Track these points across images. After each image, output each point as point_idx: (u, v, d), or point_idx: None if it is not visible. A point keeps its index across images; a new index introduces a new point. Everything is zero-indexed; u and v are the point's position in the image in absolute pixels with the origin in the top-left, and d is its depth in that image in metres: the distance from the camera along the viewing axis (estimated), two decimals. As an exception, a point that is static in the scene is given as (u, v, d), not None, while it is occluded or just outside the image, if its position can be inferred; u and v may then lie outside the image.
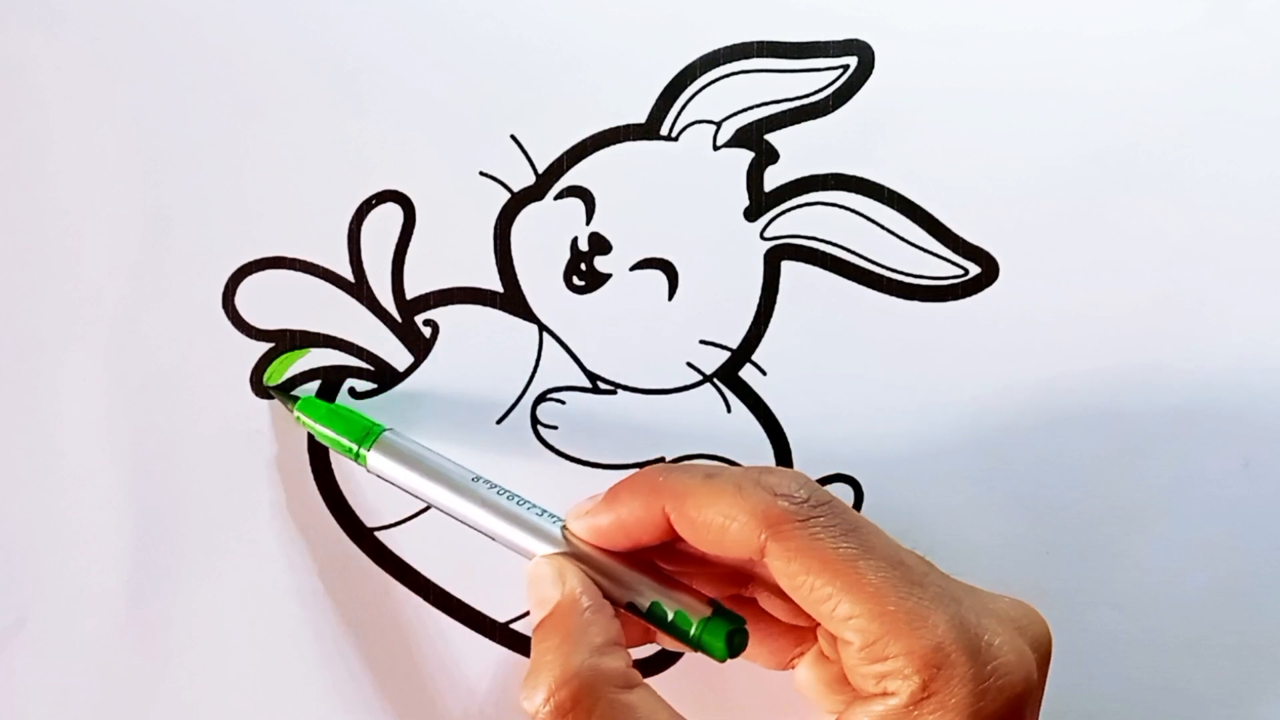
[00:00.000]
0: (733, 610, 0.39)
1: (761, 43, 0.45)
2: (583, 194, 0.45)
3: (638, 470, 0.40)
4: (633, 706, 0.36)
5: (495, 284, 0.45)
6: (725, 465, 0.39)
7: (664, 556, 0.41)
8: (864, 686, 0.36)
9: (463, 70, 0.44)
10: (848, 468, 0.45)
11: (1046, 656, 0.37)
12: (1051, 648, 0.38)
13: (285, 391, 0.44)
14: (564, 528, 0.41)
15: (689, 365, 0.45)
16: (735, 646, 0.39)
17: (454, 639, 0.45)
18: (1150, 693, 0.45)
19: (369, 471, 0.43)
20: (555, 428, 0.45)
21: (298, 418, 0.43)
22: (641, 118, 0.45)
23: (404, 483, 0.42)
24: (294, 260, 0.44)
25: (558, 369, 0.45)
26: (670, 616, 0.39)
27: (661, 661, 0.45)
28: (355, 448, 0.43)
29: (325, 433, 0.43)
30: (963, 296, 0.45)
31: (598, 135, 0.45)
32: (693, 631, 0.39)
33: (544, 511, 0.41)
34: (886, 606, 0.35)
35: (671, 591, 0.39)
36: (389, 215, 0.45)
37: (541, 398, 0.45)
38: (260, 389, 0.44)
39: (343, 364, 0.45)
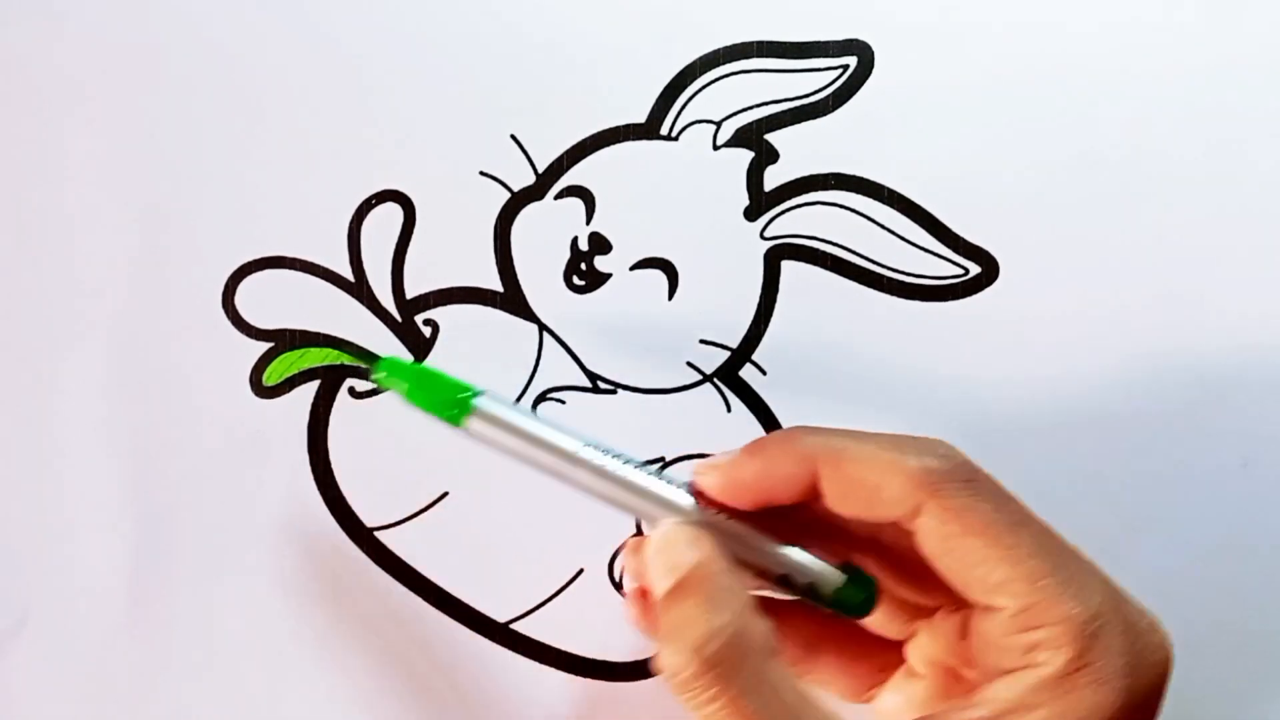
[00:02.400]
0: (868, 574, 0.38)
1: (761, 43, 0.45)
2: (583, 194, 0.45)
3: (771, 434, 0.38)
4: (780, 672, 0.35)
5: (495, 284, 0.45)
6: (864, 431, 0.37)
7: (782, 528, 0.38)
8: (1004, 661, 0.35)
9: (463, 70, 0.44)
10: (848, 468, 0.45)
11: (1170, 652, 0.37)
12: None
13: (362, 358, 0.43)
14: (691, 486, 0.38)
15: (689, 365, 0.45)
16: (869, 605, 0.38)
17: (454, 639, 0.45)
18: (1150, 693, 0.45)
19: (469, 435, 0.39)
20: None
21: (384, 383, 0.39)
22: (641, 117, 0.45)
23: (513, 449, 0.38)
24: (294, 260, 0.45)
25: (558, 369, 0.45)
26: (803, 582, 0.38)
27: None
28: (456, 417, 0.38)
29: (419, 401, 0.38)
30: (963, 296, 0.45)
31: (598, 135, 0.45)
32: (829, 596, 0.38)
33: (664, 475, 0.38)
34: (1043, 574, 0.34)
35: (805, 556, 0.38)
36: (389, 215, 0.45)
37: (541, 397, 0.45)
38: (261, 388, 0.45)
39: (343, 364, 0.45)
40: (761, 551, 0.38)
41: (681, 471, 0.42)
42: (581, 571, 0.45)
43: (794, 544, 0.38)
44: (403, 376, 0.38)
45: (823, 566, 0.38)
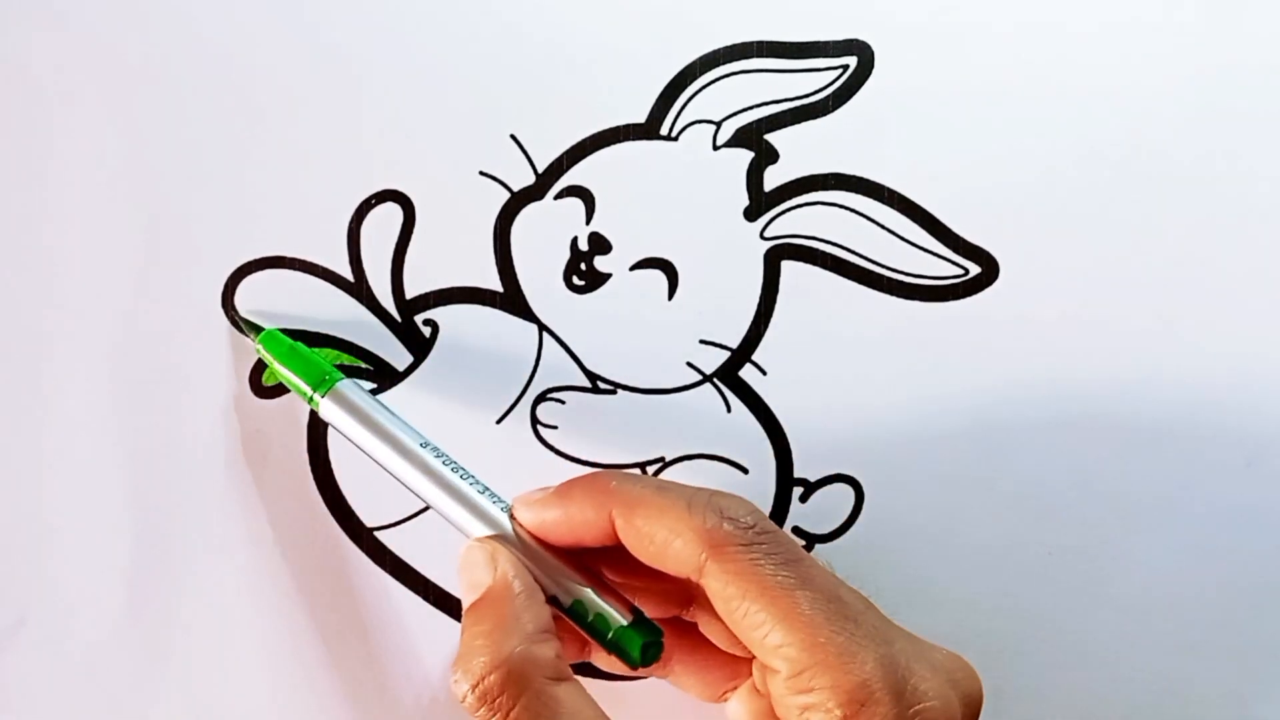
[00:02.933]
0: (659, 627, 0.39)
1: (761, 43, 0.45)
2: (583, 194, 0.45)
3: (591, 471, 0.40)
4: (559, 700, 0.36)
5: (495, 284, 0.45)
6: (676, 482, 0.39)
7: (612, 565, 0.41)
8: (788, 718, 0.36)
9: (463, 70, 0.44)
10: (848, 468, 0.45)
11: (975, 712, 0.37)
12: (981, 706, 0.38)
13: (249, 321, 0.44)
14: (510, 512, 0.40)
15: (689, 365, 0.45)
16: (649, 657, 0.39)
17: (454, 639, 0.45)
18: (1151, 694, 0.45)
19: (320, 417, 0.43)
20: (555, 427, 0.45)
21: (257, 349, 0.43)
22: (641, 117, 0.45)
23: (353, 435, 0.42)
24: (294, 260, 0.45)
25: (558, 369, 0.45)
26: (590, 617, 0.39)
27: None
28: (310, 392, 0.42)
29: (282, 371, 0.43)
30: (963, 296, 0.45)
31: (598, 135, 0.45)
32: (610, 635, 0.39)
33: (487, 489, 0.41)
34: (817, 638, 0.35)
35: (598, 593, 0.39)
36: (389, 215, 0.45)
37: (541, 397, 0.45)
38: (261, 388, 0.45)
39: (343, 364, 0.45)
40: (555, 580, 0.39)
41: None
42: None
43: (594, 580, 0.40)
44: (277, 349, 0.43)
45: (608, 609, 0.39)
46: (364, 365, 0.45)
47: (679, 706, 0.38)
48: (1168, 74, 0.45)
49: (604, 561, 0.40)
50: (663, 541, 0.37)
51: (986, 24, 0.45)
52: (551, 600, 0.39)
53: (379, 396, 0.44)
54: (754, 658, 0.40)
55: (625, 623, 0.39)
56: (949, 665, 0.37)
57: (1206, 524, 0.45)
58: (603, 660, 0.42)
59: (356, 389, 0.42)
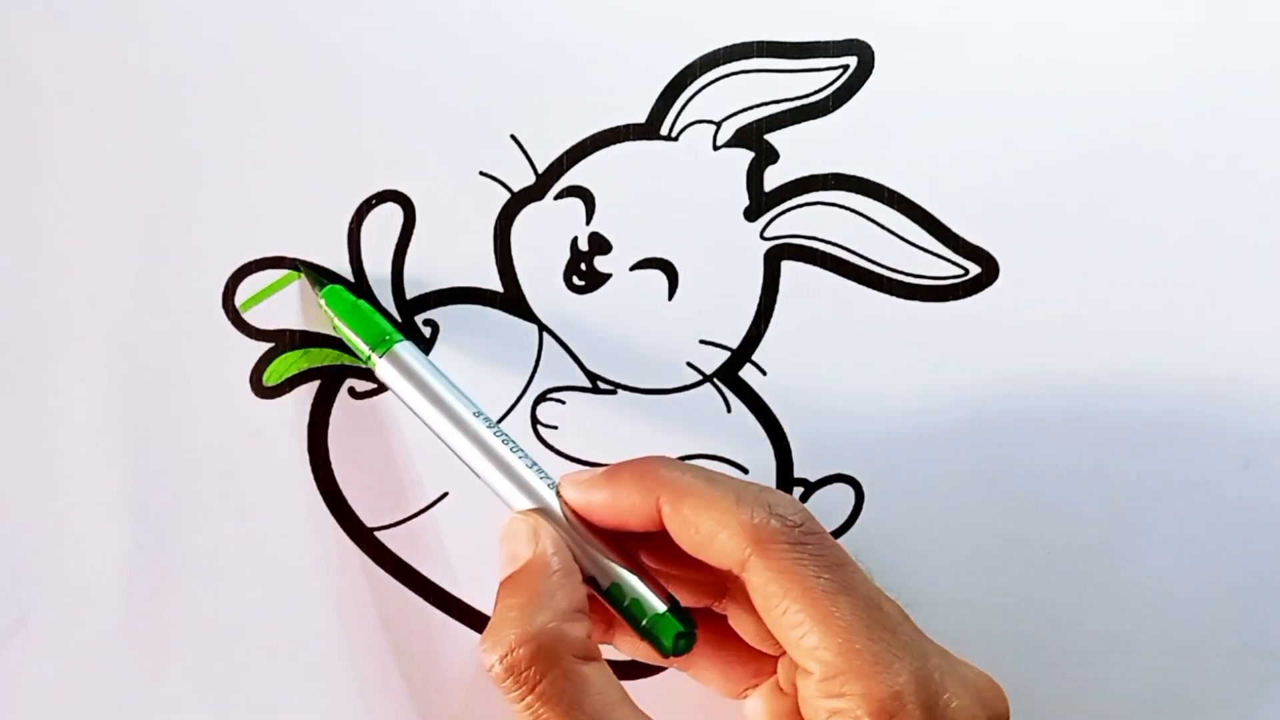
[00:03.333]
0: (693, 617, 0.40)
1: (761, 43, 0.45)
2: (583, 194, 0.45)
3: (642, 456, 0.40)
4: (586, 678, 0.36)
5: (495, 284, 0.45)
6: (726, 475, 0.39)
7: (651, 552, 0.41)
8: (813, 719, 0.36)
9: (463, 70, 0.44)
10: (848, 468, 0.45)
11: None
12: None
13: (315, 274, 0.44)
14: (558, 489, 0.40)
15: (689, 365, 0.45)
16: (680, 647, 0.39)
17: (454, 639, 0.45)
18: (1151, 694, 0.45)
19: (376, 378, 0.43)
20: (555, 428, 0.45)
21: (320, 305, 0.43)
22: (641, 118, 0.45)
23: (406, 398, 0.42)
24: (294, 260, 0.45)
25: (558, 369, 0.45)
26: (626, 601, 0.39)
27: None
28: (368, 351, 0.42)
29: (342, 328, 0.43)
30: (963, 296, 0.45)
31: (598, 135, 0.45)
32: (644, 621, 0.39)
33: (535, 464, 0.41)
34: (854, 644, 0.35)
35: (636, 578, 0.39)
36: (389, 215, 0.45)
37: (541, 397, 0.45)
38: (261, 388, 0.45)
39: (343, 364, 0.45)
40: (594, 560, 0.39)
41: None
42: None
43: (633, 564, 0.40)
44: (339, 305, 0.43)
45: (646, 594, 0.39)
46: (364, 365, 0.45)
47: (691, 701, 0.38)
48: (1168, 74, 0.45)
49: (643, 547, 0.40)
50: (708, 532, 0.37)
51: (986, 24, 0.45)
52: (589, 580, 0.39)
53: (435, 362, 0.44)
54: (780, 656, 0.40)
55: (661, 610, 0.39)
56: (980, 684, 0.37)
57: (1206, 524, 0.45)
58: (625, 647, 0.42)
59: (414, 352, 0.42)
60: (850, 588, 0.36)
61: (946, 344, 0.45)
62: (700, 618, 0.41)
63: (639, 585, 0.39)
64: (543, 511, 0.40)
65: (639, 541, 0.40)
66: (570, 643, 0.37)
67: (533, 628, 0.36)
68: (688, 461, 0.40)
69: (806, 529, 0.37)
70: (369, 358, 0.42)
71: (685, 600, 0.40)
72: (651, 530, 0.39)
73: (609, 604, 0.39)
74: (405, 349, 0.42)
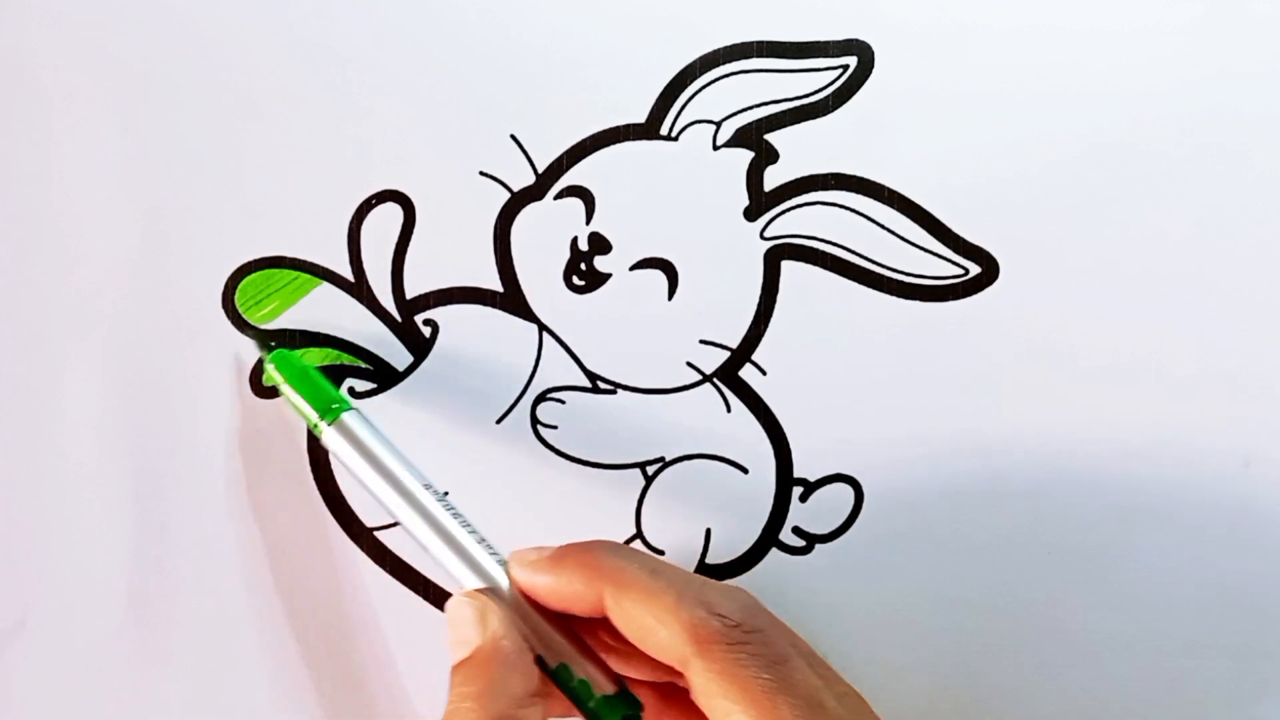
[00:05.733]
0: (639, 700, 0.39)
1: (761, 43, 0.45)
2: (583, 194, 0.45)
3: (586, 542, 0.40)
4: None
5: (495, 284, 0.45)
6: (670, 564, 0.39)
7: (607, 629, 0.40)
8: None
9: (463, 70, 0.44)
10: (848, 468, 0.45)
11: None
12: None
13: (263, 338, 0.44)
14: (506, 567, 0.40)
15: (689, 365, 0.45)
16: None
17: (454, 639, 0.45)
18: (1151, 693, 0.45)
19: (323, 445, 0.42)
20: (555, 427, 0.45)
21: (268, 369, 0.43)
22: (641, 118, 0.45)
23: (354, 468, 0.41)
24: (294, 260, 0.45)
25: (558, 369, 0.45)
26: (573, 682, 0.39)
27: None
28: (315, 419, 0.42)
29: (289, 394, 0.42)
30: (963, 296, 0.45)
31: (598, 135, 0.45)
32: (590, 703, 0.39)
33: (484, 540, 0.40)
34: None
35: (584, 660, 0.39)
36: (389, 215, 0.45)
37: (541, 397, 0.45)
38: (261, 388, 0.45)
39: (343, 364, 0.45)
40: (542, 640, 0.39)
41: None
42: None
43: (578, 647, 0.39)
44: (287, 370, 0.42)
45: (592, 674, 0.39)
46: (364, 365, 0.45)
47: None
48: (1168, 74, 0.45)
49: (600, 623, 0.40)
50: (649, 628, 0.37)
51: (986, 24, 0.45)
52: (537, 659, 0.39)
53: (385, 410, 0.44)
54: None
55: (607, 693, 0.39)
56: None
57: (1206, 524, 0.45)
58: None
59: (363, 421, 0.42)
60: (790, 686, 0.36)
61: (946, 344, 0.45)
62: (665, 691, 0.41)
63: (586, 667, 0.39)
64: (490, 591, 0.40)
65: (600, 625, 0.40)
66: None
67: (489, 717, 0.36)
68: (636, 549, 0.39)
69: (747, 627, 0.37)
70: (316, 425, 0.42)
71: (648, 674, 0.40)
72: (597, 616, 0.39)
73: (555, 683, 0.39)
74: (353, 418, 0.41)
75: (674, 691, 0.41)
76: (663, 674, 0.41)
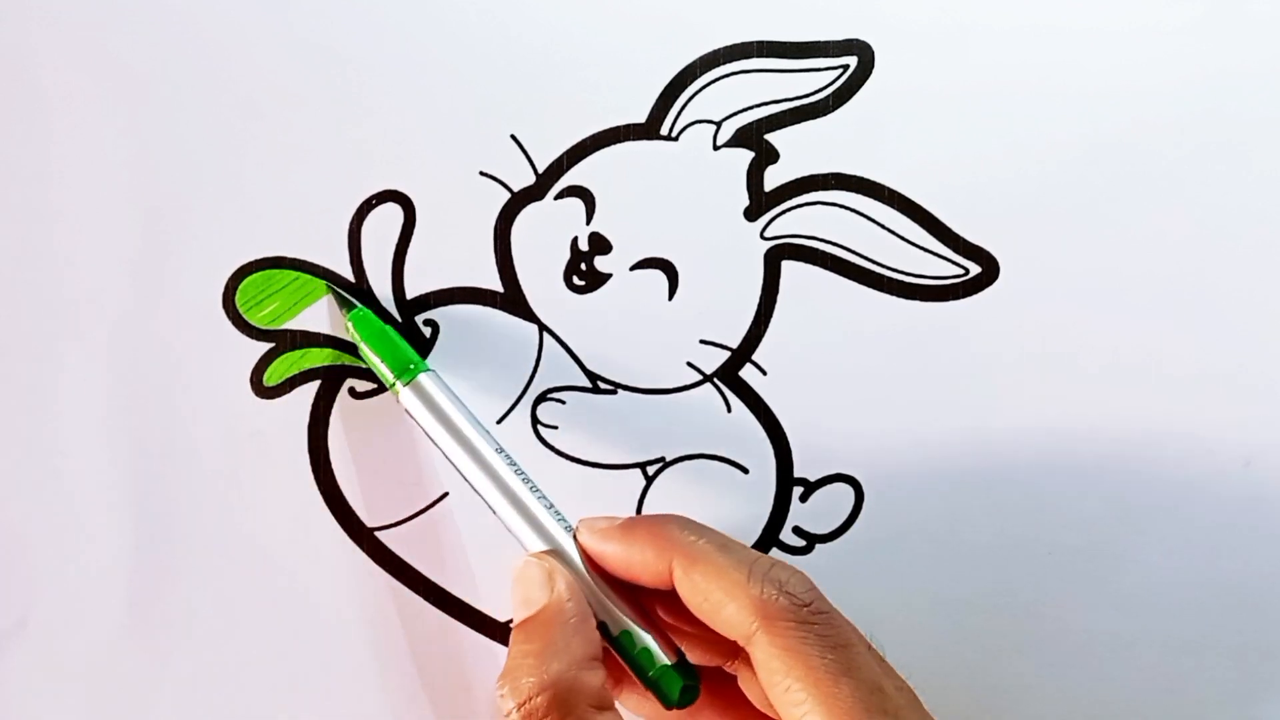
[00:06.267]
0: (698, 673, 0.40)
1: (761, 43, 0.45)
2: (583, 194, 0.45)
3: (658, 514, 0.40)
4: None
5: (495, 284, 0.45)
6: (740, 544, 0.39)
7: (665, 606, 0.41)
8: None
9: (463, 70, 0.44)
10: (848, 468, 0.45)
11: None
12: None
13: (343, 297, 0.44)
14: (574, 533, 0.41)
15: (689, 365, 0.45)
16: (684, 700, 0.39)
17: (454, 639, 0.45)
18: (1151, 693, 0.45)
19: (400, 404, 0.43)
20: (555, 427, 0.45)
21: (347, 328, 0.43)
22: (641, 118, 0.45)
23: (428, 429, 0.42)
24: (294, 260, 0.45)
25: (558, 369, 0.45)
26: (635, 650, 0.39)
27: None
28: (392, 378, 0.42)
29: (368, 353, 0.43)
30: (963, 296, 0.45)
31: (598, 135, 0.45)
32: (651, 672, 0.39)
33: (553, 505, 0.41)
34: None
35: (646, 629, 0.39)
36: (389, 215, 0.45)
37: (541, 397, 0.45)
38: (261, 388, 0.45)
39: (343, 364, 0.45)
40: (606, 608, 0.40)
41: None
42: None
43: (643, 616, 0.40)
44: (366, 330, 0.43)
45: (653, 645, 0.39)
46: (364, 365, 0.45)
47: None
48: (1168, 74, 0.45)
49: (658, 600, 0.40)
50: (717, 602, 0.37)
51: (986, 24, 0.45)
52: (600, 626, 0.39)
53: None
54: None
55: (669, 662, 0.39)
56: None
57: (1206, 524, 0.45)
58: (630, 705, 0.42)
59: (439, 383, 0.43)
60: (853, 669, 0.36)
61: (946, 344, 0.45)
62: (712, 675, 0.41)
63: (647, 636, 0.39)
64: (558, 555, 0.40)
65: (654, 594, 0.40)
66: (586, 691, 0.37)
67: (549, 676, 0.37)
68: (705, 525, 0.40)
69: (815, 608, 0.37)
70: (393, 385, 0.42)
71: (696, 659, 0.41)
72: (663, 588, 0.39)
73: (617, 652, 0.40)
74: (429, 379, 0.42)
75: (721, 677, 0.41)
76: (714, 658, 0.41)
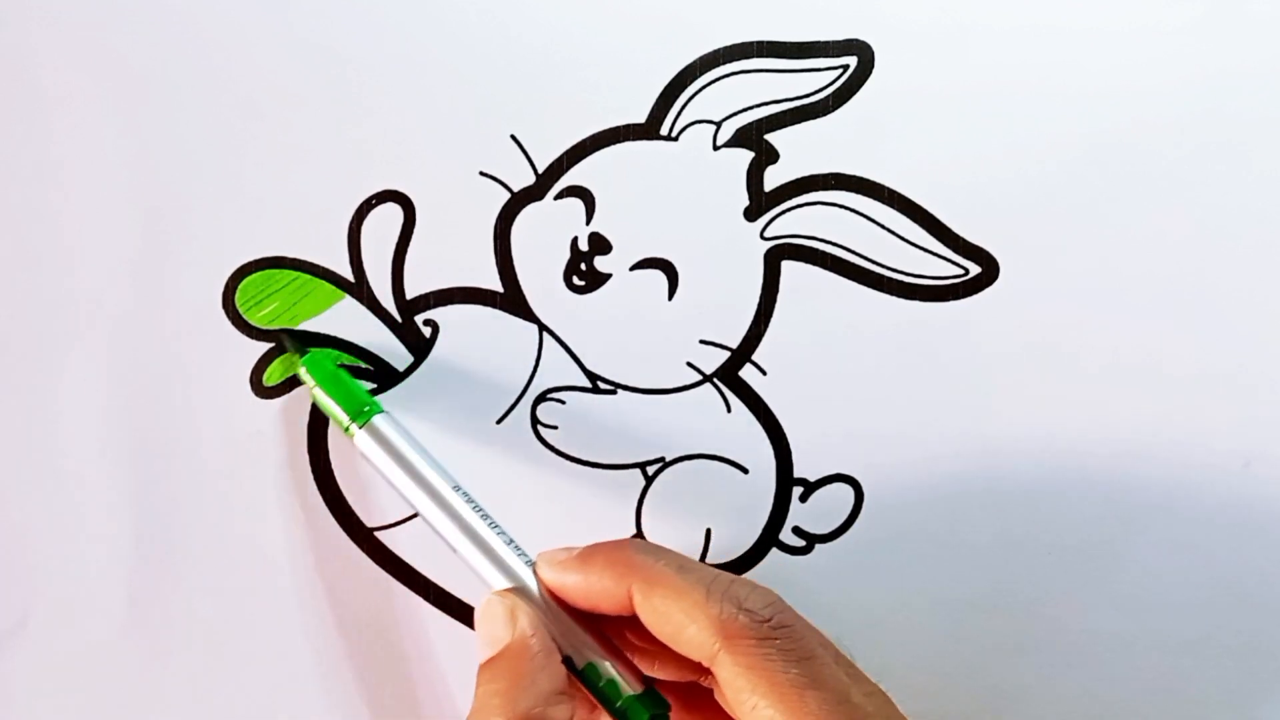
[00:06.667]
0: (667, 700, 0.39)
1: (761, 43, 0.45)
2: (583, 194, 0.45)
3: (614, 541, 0.40)
4: None
5: (495, 284, 0.45)
6: (698, 562, 0.39)
7: (633, 629, 0.40)
8: None
9: (463, 70, 0.44)
10: (848, 468, 0.45)
11: None
12: None
13: (298, 341, 0.44)
14: (534, 567, 0.40)
15: (689, 365, 0.45)
16: None
17: (454, 639, 0.45)
18: (1150, 693, 0.45)
19: (355, 447, 0.43)
20: (555, 428, 0.45)
21: (300, 372, 0.43)
22: (641, 118, 0.45)
23: (385, 471, 0.42)
24: (294, 260, 0.45)
25: (558, 369, 0.45)
26: (601, 682, 0.39)
27: None
28: (346, 421, 0.42)
29: (321, 397, 0.43)
30: (963, 296, 0.45)
31: (598, 135, 0.45)
32: (619, 703, 0.39)
33: (512, 541, 0.41)
34: None
35: (611, 659, 0.39)
36: (389, 215, 0.45)
37: (541, 398, 0.45)
38: (261, 388, 0.45)
39: (343, 364, 0.45)
40: (570, 640, 0.39)
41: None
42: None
43: (608, 645, 0.40)
44: (320, 373, 0.43)
45: (618, 676, 0.39)
46: (364, 365, 0.45)
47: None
48: (1168, 74, 0.45)
49: (625, 624, 0.40)
50: (678, 624, 0.37)
51: (986, 24, 0.45)
52: (565, 660, 0.39)
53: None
54: None
55: (635, 693, 0.39)
56: None
57: (1206, 524, 0.45)
58: None
59: (393, 424, 0.42)
60: (819, 681, 0.36)
61: (946, 344, 0.45)
62: (688, 691, 0.41)
63: (612, 667, 0.39)
64: (519, 591, 0.40)
65: (619, 620, 0.40)
66: None
67: (517, 713, 0.37)
68: (663, 547, 0.40)
69: (775, 623, 0.37)
70: (348, 428, 0.42)
71: (669, 675, 0.41)
72: (626, 614, 0.39)
73: (583, 684, 0.39)
74: (384, 421, 0.42)
75: (697, 692, 0.41)
76: (687, 674, 0.41)
